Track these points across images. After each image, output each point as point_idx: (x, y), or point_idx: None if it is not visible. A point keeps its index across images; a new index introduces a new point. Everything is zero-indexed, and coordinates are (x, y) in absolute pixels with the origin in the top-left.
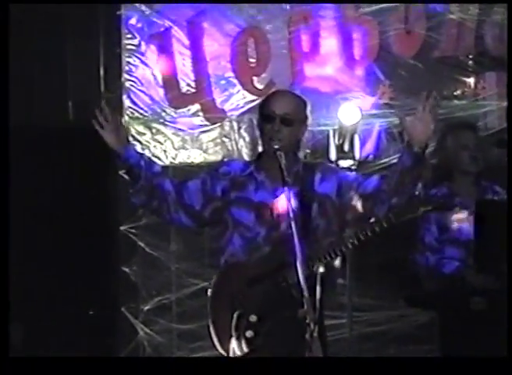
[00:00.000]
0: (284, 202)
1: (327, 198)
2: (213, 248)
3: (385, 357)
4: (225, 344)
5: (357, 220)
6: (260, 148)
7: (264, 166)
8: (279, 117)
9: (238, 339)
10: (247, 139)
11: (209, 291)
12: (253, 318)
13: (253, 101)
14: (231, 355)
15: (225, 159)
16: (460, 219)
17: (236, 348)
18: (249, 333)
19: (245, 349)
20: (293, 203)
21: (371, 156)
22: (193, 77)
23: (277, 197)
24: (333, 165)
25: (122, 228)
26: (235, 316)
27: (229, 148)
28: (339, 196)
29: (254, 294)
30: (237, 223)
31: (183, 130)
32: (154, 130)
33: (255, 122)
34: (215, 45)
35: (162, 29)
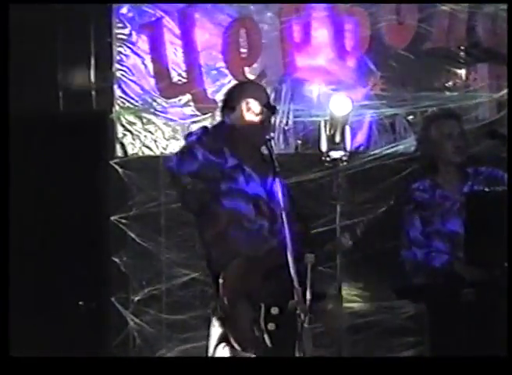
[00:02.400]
0: (275, 193)
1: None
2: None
3: (381, 357)
4: (245, 340)
5: None
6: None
7: (247, 158)
8: (264, 107)
9: (260, 333)
10: None
11: (221, 285)
12: (275, 310)
13: None
14: (252, 350)
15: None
16: (444, 212)
17: (261, 341)
18: (271, 326)
19: (268, 342)
20: (282, 194)
21: (362, 147)
22: (184, 67)
23: (267, 189)
24: None
25: (112, 218)
26: (262, 309)
27: None
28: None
29: (271, 286)
30: (233, 215)
31: (173, 120)
32: (144, 120)
33: None
34: (207, 35)
35: (154, 19)
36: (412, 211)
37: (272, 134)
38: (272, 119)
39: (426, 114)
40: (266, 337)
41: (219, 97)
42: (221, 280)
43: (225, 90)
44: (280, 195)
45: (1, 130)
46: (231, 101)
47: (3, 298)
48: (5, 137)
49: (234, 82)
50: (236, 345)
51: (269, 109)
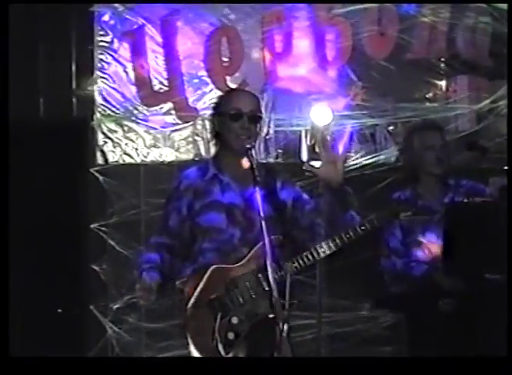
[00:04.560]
0: (255, 202)
1: (284, 206)
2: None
3: (371, 357)
4: (204, 348)
5: (296, 244)
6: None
7: (227, 167)
8: (247, 115)
9: (219, 341)
10: None
11: (185, 292)
12: (234, 320)
13: None
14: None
15: (183, 171)
16: (424, 222)
17: (216, 350)
18: (230, 335)
19: (225, 351)
20: (263, 203)
21: None
22: (165, 75)
23: (246, 197)
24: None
25: (92, 226)
26: (218, 318)
27: (201, 146)
28: (293, 209)
29: (234, 295)
30: (206, 230)
31: (155, 128)
32: (126, 128)
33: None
34: (188, 44)
35: (135, 26)
36: (393, 220)
37: (253, 143)
38: (257, 128)
39: (408, 125)
40: (220, 346)
41: (200, 105)
42: (186, 289)
43: (207, 98)
44: (261, 205)
45: None
46: (222, 106)
47: (6, 306)
48: None
49: (216, 90)
50: (195, 353)
51: (253, 119)
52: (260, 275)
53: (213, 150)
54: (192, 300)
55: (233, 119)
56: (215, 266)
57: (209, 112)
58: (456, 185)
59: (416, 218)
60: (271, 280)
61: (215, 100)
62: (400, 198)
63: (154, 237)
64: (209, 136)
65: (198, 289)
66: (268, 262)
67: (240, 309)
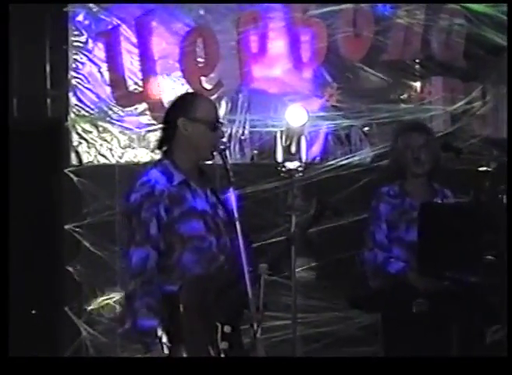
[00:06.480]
0: (227, 205)
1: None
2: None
3: (361, 357)
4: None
5: None
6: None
7: (190, 171)
8: (220, 124)
9: (216, 353)
10: None
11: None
12: (228, 329)
13: None
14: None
15: (146, 176)
16: (409, 220)
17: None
18: (224, 345)
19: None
20: (236, 205)
21: (317, 158)
22: (140, 76)
23: (210, 203)
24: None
25: (66, 227)
26: (219, 329)
27: None
28: None
29: (224, 304)
30: (188, 239)
31: (130, 129)
32: (100, 129)
33: None
34: (164, 44)
35: (110, 26)
36: (380, 214)
37: (227, 144)
38: (223, 132)
39: (394, 126)
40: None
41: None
42: (175, 302)
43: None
44: (234, 207)
45: None
46: (197, 113)
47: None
48: None
49: (189, 92)
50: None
51: (221, 127)
52: (237, 278)
53: (168, 153)
54: (185, 313)
55: (212, 129)
56: (199, 276)
57: (175, 114)
58: (442, 193)
59: (396, 212)
60: (247, 282)
61: (182, 102)
62: (389, 193)
63: (136, 249)
64: (163, 136)
65: (189, 301)
66: (244, 264)
67: (232, 317)
